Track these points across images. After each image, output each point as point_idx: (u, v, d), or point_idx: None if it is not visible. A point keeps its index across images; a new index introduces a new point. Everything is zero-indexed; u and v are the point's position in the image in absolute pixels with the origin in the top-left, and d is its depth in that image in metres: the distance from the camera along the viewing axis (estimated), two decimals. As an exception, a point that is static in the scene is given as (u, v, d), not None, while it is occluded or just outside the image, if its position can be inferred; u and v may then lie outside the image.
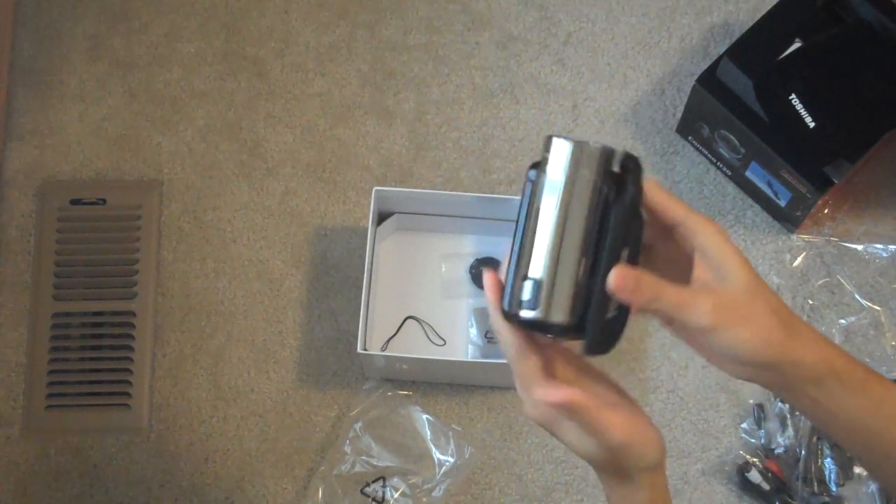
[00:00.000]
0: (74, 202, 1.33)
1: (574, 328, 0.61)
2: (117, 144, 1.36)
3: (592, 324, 0.60)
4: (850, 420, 0.64)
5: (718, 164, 1.33)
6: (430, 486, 1.21)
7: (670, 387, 1.26)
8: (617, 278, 0.58)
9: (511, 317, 0.61)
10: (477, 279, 1.27)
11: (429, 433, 1.23)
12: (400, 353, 1.25)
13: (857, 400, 0.63)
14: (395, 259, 1.29)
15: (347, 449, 1.22)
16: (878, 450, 0.65)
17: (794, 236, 1.32)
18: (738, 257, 0.61)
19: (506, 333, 0.62)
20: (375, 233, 1.24)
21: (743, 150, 1.26)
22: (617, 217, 0.59)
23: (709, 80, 1.25)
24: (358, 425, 1.23)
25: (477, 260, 1.28)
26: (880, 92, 1.20)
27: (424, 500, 1.21)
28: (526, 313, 0.60)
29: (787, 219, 1.30)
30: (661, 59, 1.41)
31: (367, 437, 1.23)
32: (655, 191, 0.62)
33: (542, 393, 0.61)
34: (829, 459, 1.18)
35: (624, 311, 0.61)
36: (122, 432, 1.25)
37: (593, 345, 0.61)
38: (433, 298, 1.27)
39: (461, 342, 1.26)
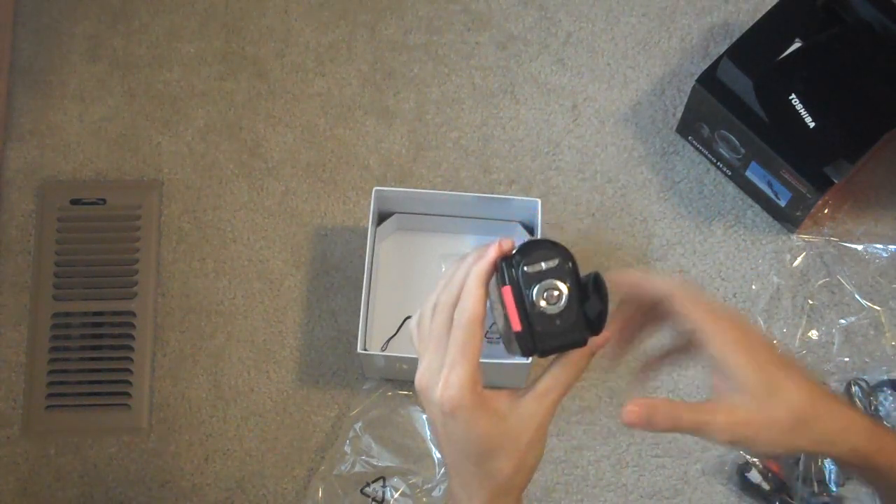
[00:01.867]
0: (74, 202, 1.33)
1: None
2: (117, 144, 1.36)
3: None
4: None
5: (718, 164, 1.33)
6: (430, 486, 1.21)
7: (670, 387, 1.26)
8: (629, 414, 0.60)
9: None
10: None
11: (429, 433, 1.23)
12: (400, 353, 1.25)
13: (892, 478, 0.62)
14: (395, 259, 1.29)
15: (347, 449, 1.22)
16: None
17: (794, 236, 1.32)
18: (748, 363, 0.60)
19: (478, 291, 0.63)
20: (375, 233, 1.24)
21: (743, 150, 1.26)
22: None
23: (709, 80, 1.25)
24: (358, 425, 1.23)
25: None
26: (880, 92, 1.20)
27: (424, 500, 1.21)
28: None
29: (787, 219, 1.30)
30: (661, 59, 1.41)
31: (367, 437, 1.23)
32: (679, 297, 0.62)
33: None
34: (829, 459, 1.18)
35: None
36: (122, 432, 1.25)
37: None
38: (433, 298, 1.27)
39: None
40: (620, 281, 0.65)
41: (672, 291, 0.62)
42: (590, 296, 0.62)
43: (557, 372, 0.62)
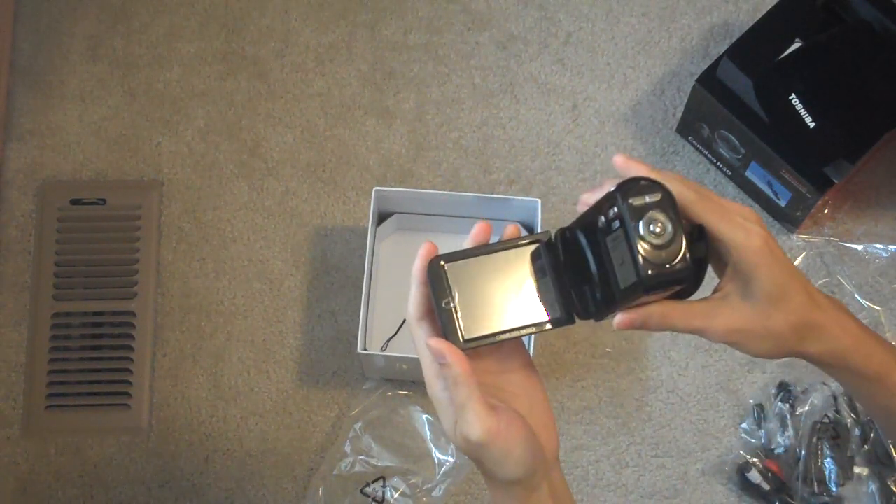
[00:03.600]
0: (74, 202, 1.33)
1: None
2: (117, 144, 1.36)
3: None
4: (869, 402, 0.68)
5: (718, 164, 1.33)
6: (430, 486, 1.21)
7: (670, 387, 1.26)
8: (623, 321, 0.61)
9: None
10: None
11: (429, 433, 1.23)
12: (400, 353, 1.25)
13: (872, 388, 0.66)
14: (395, 259, 1.29)
15: (347, 449, 1.22)
16: None
17: (794, 236, 1.32)
18: (769, 274, 0.62)
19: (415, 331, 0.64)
20: (375, 233, 1.24)
21: (743, 150, 1.26)
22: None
23: (709, 80, 1.25)
24: (358, 425, 1.23)
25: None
26: (880, 92, 1.20)
27: (424, 500, 1.21)
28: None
29: (787, 219, 1.30)
30: (661, 59, 1.41)
31: (367, 437, 1.23)
32: (698, 205, 0.62)
33: (424, 332, 0.64)
34: (829, 459, 1.18)
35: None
36: (122, 432, 1.25)
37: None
38: (433, 298, 1.27)
39: (461, 342, 1.26)
40: (629, 167, 0.64)
41: (690, 202, 0.62)
42: (694, 241, 0.62)
43: (442, 374, 0.63)
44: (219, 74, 1.39)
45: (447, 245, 0.66)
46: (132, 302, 1.29)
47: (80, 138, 1.36)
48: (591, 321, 0.65)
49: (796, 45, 1.22)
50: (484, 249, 0.68)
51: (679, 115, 1.35)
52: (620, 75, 1.40)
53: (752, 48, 1.23)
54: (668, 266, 0.59)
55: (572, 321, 0.66)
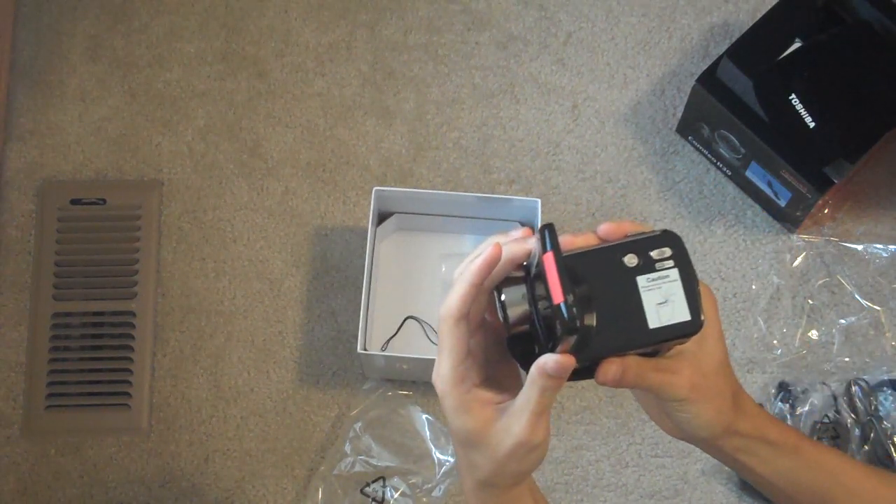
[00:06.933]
0: (74, 202, 1.33)
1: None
2: (117, 144, 1.36)
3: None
4: (779, 477, 0.70)
5: (718, 164, 1.33)
6: (430, 486, 1.21)
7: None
8: (604, 374, 0.60)
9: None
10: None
11: (429, 433, 1.23)
12: (400, 353, 1.25)
13: (788, 461, 0.69)
14: (395, 259, 1.29)
15: (347, 449, 1.22)
16: (805, 499, 0.71)
17: (794, 236, 1.32)
18: (718, 332, 0.64)
19: (459, 287, 0.62)
20: (375, 233, 1.24)
21: (743, 150, 1.26)
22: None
23: (709, 80, 1.25)
24: (358, 425, 1.23)
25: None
26: (880, 92, 1.20)
27: (424, 500, 1.21)
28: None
29: (787, 219, 1.30)
30: (661, 59, 1.41)
31: (367, 437, 1.23)
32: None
33: (461, 332, 0.61)
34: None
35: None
36: (122, 432, 1.25)
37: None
38: (433, 298, 1.27)
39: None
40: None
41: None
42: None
43: (527, 390, 0.61)
44: (219, 74, 1.39)
45: (447, 245, 0.65)
46: (132, 302, 1.29)
47: (80, 138, 1.36)
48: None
49: (796, 45, 1.22)
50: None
51: (679, 115, 1.35)
52: (620, 75, 1.40)
53: (752, 48, 1.23)
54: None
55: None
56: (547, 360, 0.57)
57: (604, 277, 0.59)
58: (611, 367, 0.60)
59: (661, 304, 0.59)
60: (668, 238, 0.60)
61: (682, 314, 0.58)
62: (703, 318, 0.58)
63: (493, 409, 0.62)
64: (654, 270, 0.59)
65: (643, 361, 0.61)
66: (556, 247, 0.58)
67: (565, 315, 0.56)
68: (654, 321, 0.59)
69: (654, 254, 0.59)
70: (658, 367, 0.62)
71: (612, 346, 0.60)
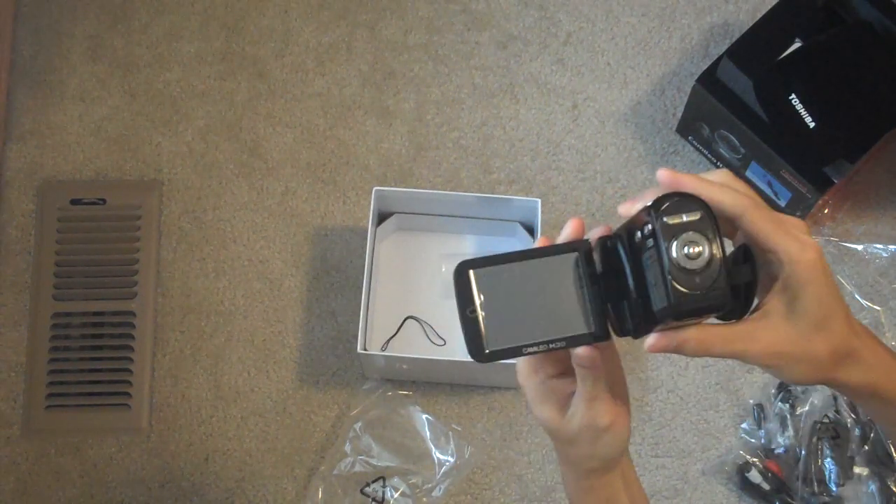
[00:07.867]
0: (74, 202, 1.33)
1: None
2: (117, 144, 1.36)
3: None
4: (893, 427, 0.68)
5: (718, 164, 1.33)
6: (430, 486, 1.21)
7: (670, 386, 1.26)
8: (656, 344, 0.58)
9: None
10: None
11: (429, 433, 1.23)
12: (400, 353, 1.25)
13: None
14: (395, 259, 1.29)
15: (347, 449, 1.22)
16: None
17: (794, 236, 1.31)
18: (820, 296, 0.59)
19: None
20: (375, 233, 1.24)
21: (743, 150, 1.26)
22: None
23: (709, 80, 1.25)
24: (358, 425, 1.23)
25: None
26: (880, 92, 1.20)
27: (424, 500, 1.21)
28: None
29: (787, 219, 1.30)
30: (661, 59, 1.41)
31: (367, 437, 1.23)
32: (752, 213, 0.58)
33: None
34: (829, 459, 1.18)
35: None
36: (122, 432, 1.25)
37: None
38: (433, 298, 1.27)
39: (461, 342, 1.26)
40: (674, 182, 0.59)
41: (744, 211, 0.58)
42: (739, 263, 0.58)
43: (577, 379, 0.63)
44: (219, 74, 1.39)
45: (447, 245, 0.66)
46: (132, 302, 1.29)
47: (80, 138, 1.36)
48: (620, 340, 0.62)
49: (796, 45, 1.22)
50: (515, 256, 0.62)
51: (679, 115, 1.35)
52: (620, 75, 1.40)
53: (752, 48, 1.23)
54: (700, 293, 0.55)
55: (608, 337, 0.61)
56: (577, 351, 0.60)
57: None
58: (662, 340, 0.58)
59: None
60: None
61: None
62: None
63: (566, 398, 0.64)
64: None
65: (709, 334, 0.58)
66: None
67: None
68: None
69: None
70: (728, 339, 0.59)
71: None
